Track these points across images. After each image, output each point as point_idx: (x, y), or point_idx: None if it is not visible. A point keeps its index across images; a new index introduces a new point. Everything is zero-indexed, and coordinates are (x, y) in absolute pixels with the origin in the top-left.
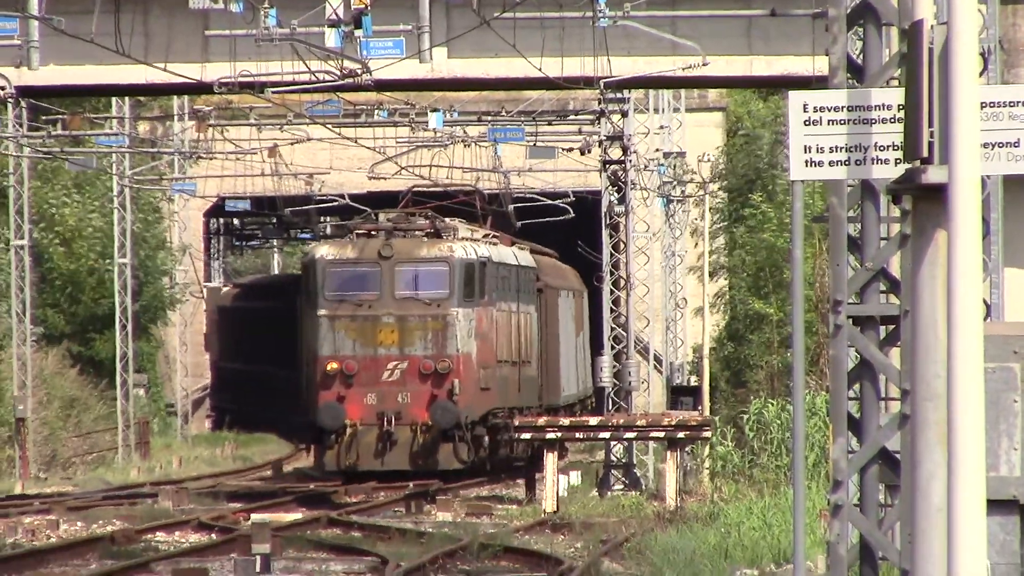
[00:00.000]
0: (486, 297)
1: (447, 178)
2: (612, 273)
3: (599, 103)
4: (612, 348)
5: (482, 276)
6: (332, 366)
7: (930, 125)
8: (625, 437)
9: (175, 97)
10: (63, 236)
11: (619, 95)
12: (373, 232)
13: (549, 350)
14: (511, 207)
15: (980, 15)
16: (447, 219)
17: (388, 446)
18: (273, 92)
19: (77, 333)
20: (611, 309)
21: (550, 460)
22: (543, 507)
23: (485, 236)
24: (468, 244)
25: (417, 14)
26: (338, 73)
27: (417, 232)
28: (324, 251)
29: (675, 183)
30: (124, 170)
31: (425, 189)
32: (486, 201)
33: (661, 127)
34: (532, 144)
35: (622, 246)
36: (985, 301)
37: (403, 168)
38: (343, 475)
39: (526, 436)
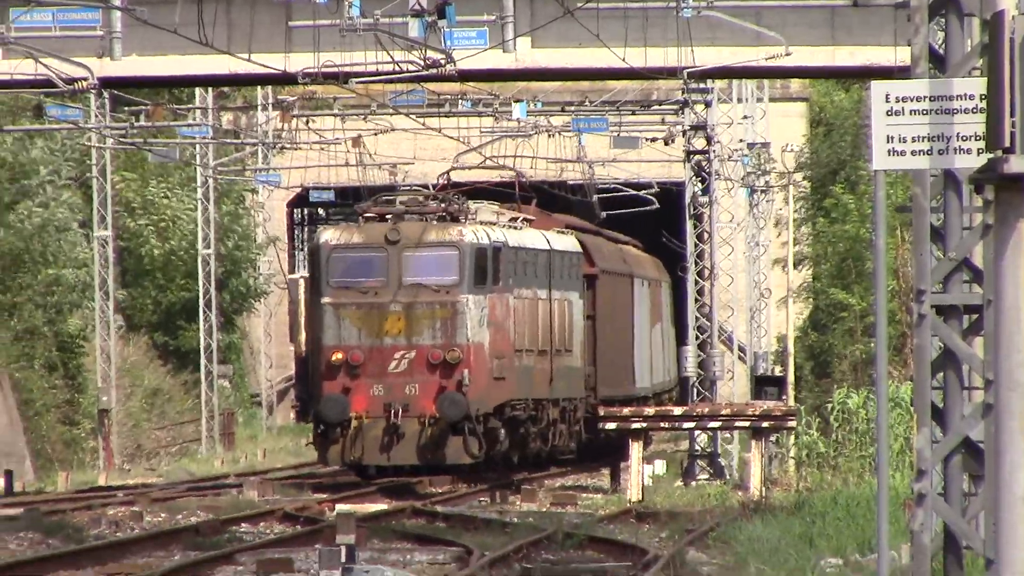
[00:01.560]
0: (501, 283)
1: (531, 168)
2: (696, 263)
3: (682, 93)
4: (696, 338)
5: (496, 261)
6: (337, 356)
7: (1012, 115)
8: (710, 427)
9: (258, 87)
10: (157, 225)
11: (702, 85)
12: (383, 216)
13: (608, 339)
14: (595, 197)
15: None
16: (473, 202)
17: (395, 440)
18: (357, 82)
19: (162, 324)
20: (695, 299)
21: (635, 449)
22: (628, 496)
23: (513, 219)
24: (481, 228)
25: (501, 4)
26: (422, 63)
27: (428, 215)
28: (329, 235)
29: (758, 173)
30: (208, 161)
31: (461, 168)
32: (526, 185)
33: (744, 117)
34: (616, 134)
35: (706, 236)
36: None
37: (487, 158)
38: (350, 471)
39: (611, 426)
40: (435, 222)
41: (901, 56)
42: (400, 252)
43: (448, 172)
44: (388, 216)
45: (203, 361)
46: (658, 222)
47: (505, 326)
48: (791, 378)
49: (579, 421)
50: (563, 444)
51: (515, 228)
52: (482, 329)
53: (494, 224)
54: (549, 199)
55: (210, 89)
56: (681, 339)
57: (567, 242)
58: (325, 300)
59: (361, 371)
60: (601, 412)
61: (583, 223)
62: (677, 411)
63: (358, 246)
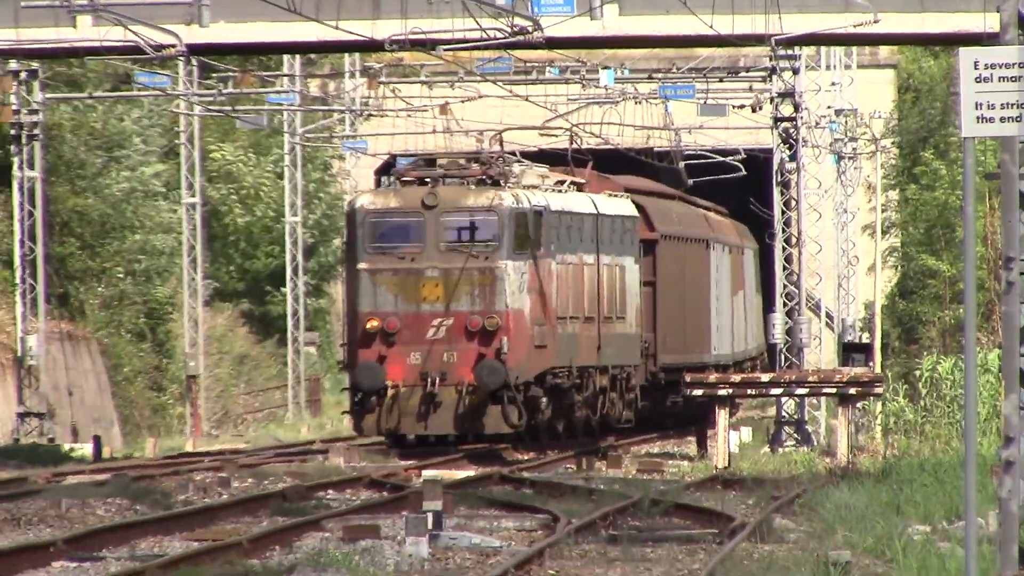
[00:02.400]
0: (542, 248)
1: (618, 135)
2: (783, 230)
3: (770, 60)
4: (784, 305)
5: (537, 225)
6: (372, 323)
7: None
8: (797, 393)
9: (346, 55)
10: (239, 193)
11: (790, 52)
12: (422, 179)
13: (672, 305)
14: (682, 164)
15: None
16: (519, 165)
17: (432, 409)
18: (444, 50)
19: (250, 291)
20: (783, 266)
21: (721, 416)
22: (714, 463)
23: (559, 183)
24: (522, 192)
25: None
26: (509, 31)
27: (468, 179)
28: (365, 200)
29: (846, 140)
30: (295, 128)
31: (514, 128)
32: (580, 146)
33: (832, 84)
34: (703, 101)
35: (793, 203)
36: None
37: (574, 125)
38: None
39: (698, 392)
40: (474, 186)
41: (990, 23)
42: (438, 217)
43: (500, 133)
44: (427, 180)
45: (290, 328)
46: (745, 189)
47: (547, 292)
48: (878, 345)
49: (634, 389)
50: (615, 413)
51: (559, 191)
52: (522, 295)
53: (537, 188)
54: (635, 166)
55: (297, 56)
56: (768, 306)
57: (620, 206)
58: (361, 266)
59: (397, 339)
60: (687, 379)
61: (653, 186)
62: (764, 378)
63: (395, 211)
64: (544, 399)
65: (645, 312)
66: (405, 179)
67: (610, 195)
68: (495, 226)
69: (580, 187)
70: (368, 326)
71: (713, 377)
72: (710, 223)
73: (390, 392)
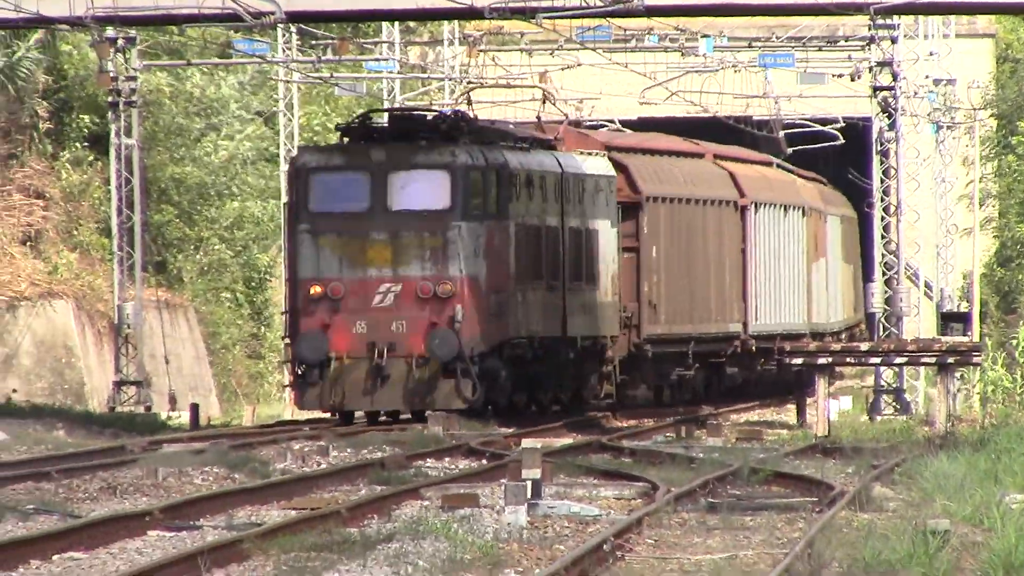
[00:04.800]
0: (499, 210)
1: (717, 104)
2: (882, 199)
3: (869, 29)
4: (883, 274)
5: (495, 185)
6: (315, 290)
7: None
8: (895, 362)
9: (445, 22)
10: None
11: (888, 21)
12: (369, 135)
13: (669, 271)
14: (781, 133)
15: None
16: (481, 121)
17: (379, 382)
18: (544, 17)
19: None
20: (881, 236)
21: (820, 385)
22: (813, 432)
23: (521, 139)
24: (477, 148)
25: None
26: None
27: (420, 134)
28: (308, 157)
29: (944, 110)
30: (394, 96)
31: (481, 86)
32: (553, 98)
33: (931, 54)
34: (802, 70)
35: (892, 172)
36: None
37: (673, 94)
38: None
39: (797, 361)
40: (425, 142)
41: None
42: (386, 174)
43: (469, 90)
44: (375, 136)
45: None
46: (844, 158)
47: (504, 257)
48: (976, 314)
49: (610, 362)
50: (585, 387)
51: (521, 149)
52: (477, 260)
53: (494, 144)
54: (733, 134)
55: (396, 24)
56: (867, 275)
57: (593, 164)
58: (302, 227)
59: (342, 306)
60: (787, 348)
61: (659, 143)
62: (863, 347)
63: (339, 167)
64: (503, 372)
65: (626, 280)
66: (351, 135)
67: (583, 153)
68: (448, 184)
69: (550, 145)
70: (311, 292)
71: (813, 346)
72: (779, 184)
73: (334, 364)
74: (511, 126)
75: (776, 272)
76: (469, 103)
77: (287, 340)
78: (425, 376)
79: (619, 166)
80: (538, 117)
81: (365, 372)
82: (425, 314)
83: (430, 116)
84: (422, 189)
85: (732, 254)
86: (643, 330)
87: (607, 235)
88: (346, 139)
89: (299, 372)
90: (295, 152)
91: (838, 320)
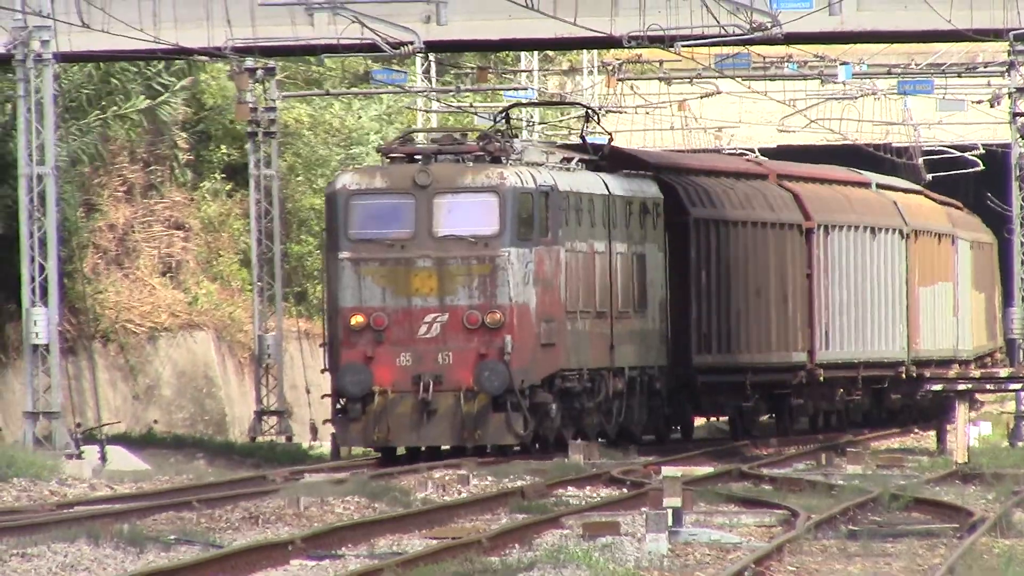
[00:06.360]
0: (550, 234)
1: (856, 131)
2: (1021, 225)
3: (1008, 55)
4: (1022, 300)
5: (544, 208)
6: (357, 320)
7: None
8: None
9: (584, 51)
10: None
11: None
12: (412, 156)
13: (721, 297)
14: (920, 160)
15: None
16: (521, 141)
17: (426, 417)
18: (682, 46)
19: None
20: (1022, 262)
21: (961, 411)
22: (953, 458)
23: (566, 159)
24: (526, 170)
25: None
26: (748, 26)
27: (464, 155)
28: (347, 179)
29: None
30: (534, 125)
31: (523, 104)
32: (595, 116)
33: None
34: (941, 97)
35: None
36: None
37: (812, 121)
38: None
39: (937, 387)
40: (472, 163)
41: None
42: (431, 198)
43: (507, 109)
44: (417, 156)
45: None
46: (983, 184)
47: (555, 284)
48: None
49: (658, 394)
50: (632, 420)
51: (567, 170)
52: (527, 288)
53: (541, 165)
54: (873, 161)
55: (535, 53)
56: (1008, 301)
57: (641, 186)
58: (343, 255)
59: (386, 337)
60: (927, 374)
61: (714, 163)
62: (1002, 373)
63: (381, 191)
64: (553, 405)
65: (675, 307)
66: (393, 155)
67: (629, 174)
68: (497, 208)
69: (596, 166)
70: (352, 323)
71: (952, 372)
72: (834, 208)
73: (378, 398)
74: (556, 146)
75: (859, 298)
76: (508, 121)
77: (324, 371)
78: (474, 410)
79: (667, 188)
80: (582, 136)
81: (411, 406)
82: (473, 345)
83: (474, 136)
84: (469, 213)
85: (796, 279)
86: (693, 360)
87: (654, 260)
88: (387, 160)
89: (340, 407)
90: None
91: (966, 348)
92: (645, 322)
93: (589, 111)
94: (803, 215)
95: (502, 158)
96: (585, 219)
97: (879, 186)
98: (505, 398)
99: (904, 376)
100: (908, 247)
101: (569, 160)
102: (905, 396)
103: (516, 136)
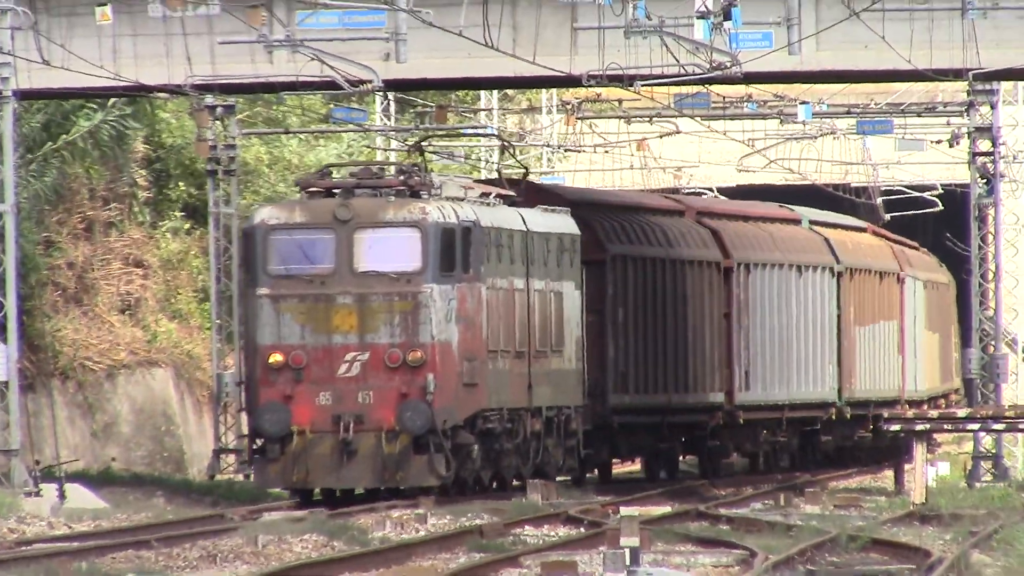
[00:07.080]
0: (471, 271)
1: (816, 171)
2: (980, 265)
3: (967, 95)
4: (980, 341)
5: (466, 244)
6: (275, 358)
7: None
8: (993, 428)
9: (543, 90)
10: None
11: (987, 87)
12: (330, 190)
13: (641, 335)
14: (879, 200)
15: None
16: (438, 176)
17: (346, 458)
18: (642, 85)
19: None
20: (979, 302)
21: (918, 452)
22: (911, 499)
23: (484, 195)
24: (448, 205)
25: (786, 6)
26: (708, 65)
27: (384, 189)
28: (266, 214)
29: None
30: (492, 163)
31: (435, 134)
32: (513, 149)
33: None
34: (900, 136)
35: (990, 239)
36: None
37: (772, 161)
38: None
39: (895, 428)
40: (393, 197)
41: None
42: (351, 233)
43: (419, 141)
44: (336, 190)
45: None
46: (942, 224)
47: (477, 322)
48: None
49: (574, 434)
50: (550, 461)
51: (486, 204)
52: (449, 325)
53: (462, 200)
54: (831, 201)
55: (495, 91)
56: (966, 341)
57: (557, 222)
58: (261, 292)
59: (305, 375)
60: (885, 414)
61: (629, 198)
62: (961, 413)
63: (301, 226)
64: (475, 447)
65: (592, 346)
66: (311, 189)
67: (546, 210)
68: (419, 243)
69: (512, 201)
70: (270, 361)
71: (911, 413)
72: (758, 245)
73: (296, 439)
74: (469, 180)
75: (784, 338)
76: (421, 153)
77: (240, 410)
78: (395, 451)
79: (585, 224)
80: (498, 171)
81: (331, 447)
82: (395, 384)
83: (392, 170)
84: (391, 248)
85: (715, 318)
86: (609, 400)
87: (571, 297)
88: (306, 195)
89: (258, 447)
90: None
91: (917, 389)
92: (562, 361)
93: (504, 143)
94: (722, 253)
95: (423, 192)
96: (505, 255)
97: (813, 222)
98: (427, 438)
99: (835, 418)
100: (841, 285)
101: (487, 195)
102: (838, 438)
103: (430, 171)
